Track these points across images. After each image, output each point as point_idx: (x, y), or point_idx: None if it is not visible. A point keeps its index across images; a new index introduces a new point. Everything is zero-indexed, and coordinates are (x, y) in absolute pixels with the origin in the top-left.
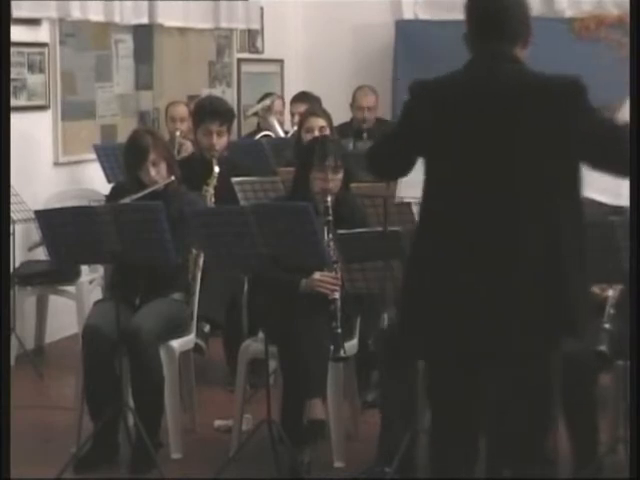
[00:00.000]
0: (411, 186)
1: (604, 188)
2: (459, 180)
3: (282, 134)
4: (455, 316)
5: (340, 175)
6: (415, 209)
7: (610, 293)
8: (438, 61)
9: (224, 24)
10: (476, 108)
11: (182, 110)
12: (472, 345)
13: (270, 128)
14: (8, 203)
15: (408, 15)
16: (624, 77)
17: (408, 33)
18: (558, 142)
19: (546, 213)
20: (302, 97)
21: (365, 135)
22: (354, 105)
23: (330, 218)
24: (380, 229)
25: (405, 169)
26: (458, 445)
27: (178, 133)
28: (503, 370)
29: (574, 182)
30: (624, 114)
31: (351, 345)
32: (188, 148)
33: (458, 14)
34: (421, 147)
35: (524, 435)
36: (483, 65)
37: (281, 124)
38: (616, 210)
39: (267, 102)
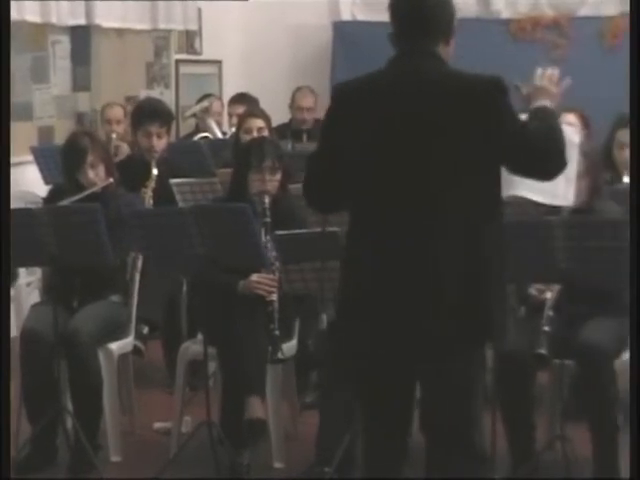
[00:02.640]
0: None
1: (541, 188)
2: (383, 182)
3: (220, 135)
4: (381, 318)
5: (278, 176)
6: None
7: (548, 296)
8: (376, 62)
9: (162, 25)
10: (398, 106)
11: (118, 112)
12: (398, 345)
13: (208, 130)
14: (8, 203)
15: (346, 16)
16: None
17: (346, 34)
18: (479, 142)
19: (467, 216)
20: (240, 98)
21: (304, 136)
22: (293, 106)
23: (268, 219)
24: (318, 230)
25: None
26: (387, 444)
27: (114, 135)
28: (428, 369)
29: (494, 183)
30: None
31: (290, 346)
32: (124, 150)
33: None
34: (347, 152)
35: (448, 432)
36: (405, 62)
37: (219, 125)
38: (553, 210)
39: (205, 104)
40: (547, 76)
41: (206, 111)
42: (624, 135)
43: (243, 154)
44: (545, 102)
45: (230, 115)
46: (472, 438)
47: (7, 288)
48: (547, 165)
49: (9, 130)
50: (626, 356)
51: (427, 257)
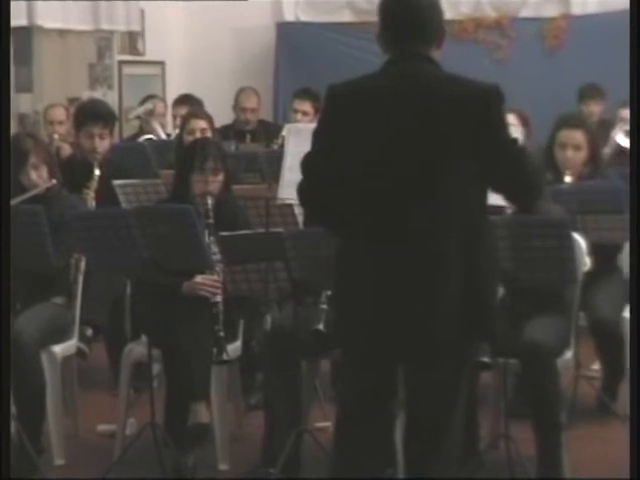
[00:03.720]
0: (292, 187)
1: None
2: (380, 183)
3: (164, 137)
4: (378, 318)
5: (220, 177)
6: (297, 210)
7: None
8: (319, 62)
9: (104, 26)
10: (398, 110)
11: (60, 113)
12: (393, 346)
13: (153, 131)
14: (8, 203)
15: (289, 17)
16: (502, 79)
17: (289, 35)
18: (474, 146)
19: (463, 218)
20: (184, 99)
21: (248, 137)
22: (236, 107)
23: (211, 220)
24: (262, 231)
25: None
26: (366, 443)
27: (56, 136)
28: (420, 371)
29: (485, 184)
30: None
31: (234, 347)
32: (66, 151)
33: (339, 16)
34: (344, 153)
35: (431, 434)
36: (402, 66)
37: (163, 127)
38: (496, 210)
39: (150, 105)
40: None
41: (150, 113)
42: (565, 135)
43: (185, 155)
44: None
45: (174, 116)
46: (447, 440)
47: (7, 288)
48: (533, 183)
49: (9, 130)
50: (569, 354)
51: (424, 258)
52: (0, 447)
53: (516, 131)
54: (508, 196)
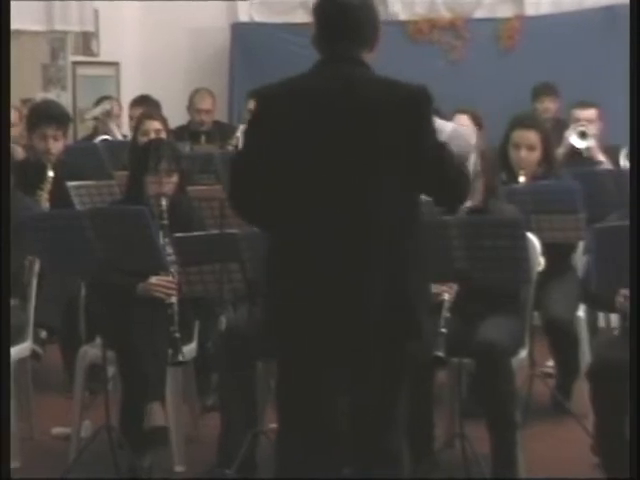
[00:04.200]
0: None
1: None
2: (307, 185)
3: (121, 138)
4: (310, 318)
5: (174, 178)
6: None
7: (446, 297)
8: (274, 63)
9: (58, 26)
10: (325, 112)
11: (13, 114)
12: (326, 347)
13: (109, 132)
14: (8, 203)
15: (244, 18)
16: (456, 80)
17: (244, 35)
18: (402, 148)
19: (390, 219)
20: (141, 101)
21: (202, 138)
22: (191, 108)
23: (165, 222)
24: (217, 232)
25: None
26: (308, 446)
27: None
28: (353, 371)
29: (414, 189)
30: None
31: (190, 349)
32: (19, 153)
33: (293, 17)
34: (270, 158)
35: (370, 434)
36: (332, 68)
37: (119, 128)
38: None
39: (107, 106)
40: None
41: (108, 114)
42: (519, 135)
43: (139, 156)
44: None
45: (131, 117)
46: (390, 441)
47: (7, 288)
48: (456, 188)
49: (9, 130)
50: (523, 353)
51: (351, 260)
52: (0, 447)
53: (471, 132)
54: (433, 199)
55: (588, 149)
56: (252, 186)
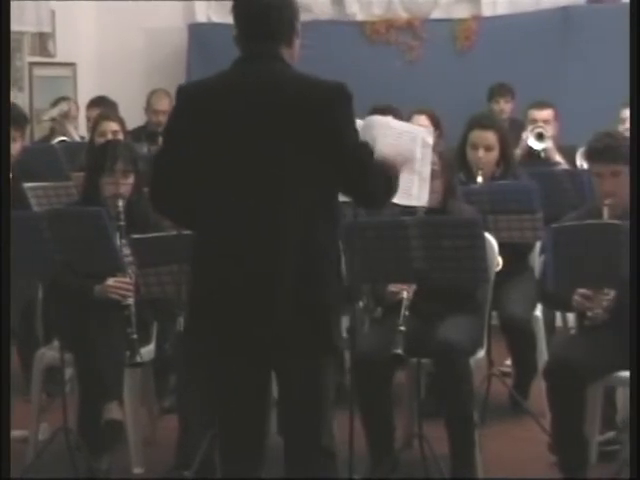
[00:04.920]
0: None
1: None
2: (222, 182)
3: (78, 139)
4: (227, 319)
5: (131, 179)
6: None
7: (404, 295)
8: (231, 63)
9: (14, 27)
10: (239, 108)
11: None
12: (244, 347)
13: (66, 133)
14: (8, 202)
15: (201, 18)
16: (413, 80)
17: (201, 36)
18: (317, 146)
19: (306, 218)
20: (98, 102)
21: (160, 139)
22: (148, 109)
23: (122, 222)
24: (174, 233)
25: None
26: (243, 445)
27: None
28: (277, 370)
29: (332, 187)
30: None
31: (148, 350)
32: None
33: None
34: (189, 155)
35: (296, 431)
36: (248, 64)
37: (75, 129)
38: (408, 210)
39: (65, 107)
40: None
41: (65, 115)
42: (477, 135)
43: (96, 157)
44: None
45: (88, 118)
46: (320, 438)
47: (7, 288)
48: (370, 190)
49: (9, 130)
50: (481, 353)
51: (264, 257)
52: (0, 447)
53: (429, 132)
54: (352, 199)
55: (545, 150)
56: (172, 184)
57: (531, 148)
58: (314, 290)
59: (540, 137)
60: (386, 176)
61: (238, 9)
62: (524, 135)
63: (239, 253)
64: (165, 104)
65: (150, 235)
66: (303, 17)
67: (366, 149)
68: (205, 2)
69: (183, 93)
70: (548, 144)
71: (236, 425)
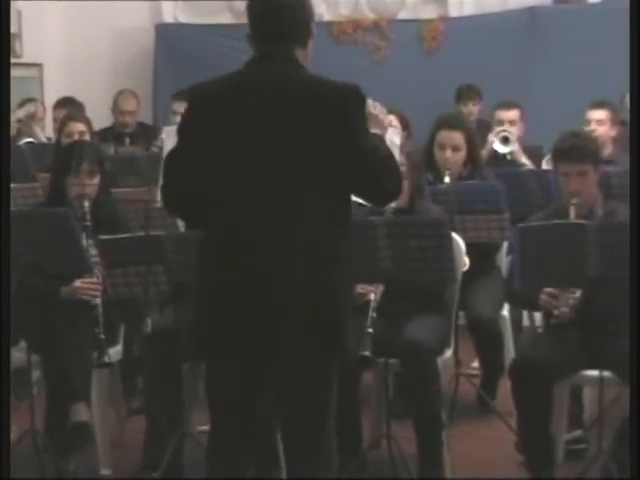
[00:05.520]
0: None
1: None
2: (236, 184)
3: (45, 140)
4: (238, 321)
5: (97, 180)
6: None
7: (372, 297)
8: (199, 64)
9: None
10: (253, 109)
11: None
12: (252, 350)
13: (33, 134)
14: (8, 203)
15: (168, 18)
16: (380, 80)
17: (168, 36)
18: (332, 148)
19: (320, 220)
20: (65, 102)
21: (127, 140)
22: (115, 109)
23: (88, 223)
24: (142, 234)
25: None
26: (236, 448)
27: None
28: (279, 375)
29: (346, 189)
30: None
31: (115, 351)
32: None
33: (219, 18)
34: (202, 156)
35: (295, 436)
36: (262, 65)
37: (42, 130)
38: (375, 210)
39: (32, 108)
40: (377, 107)
41: (32, 116)
42: (444, 136)
43: (61, 158)
44: (376, 130)
45: (54, 119)
46: (318, 443)
47: (7, 288)
48: (386, 189)
49: (9, 129)
50: (449, 353)
51: (275, 257)
52: (0, 447)
53: (396, 133)
54: (366, 200)
55: (511, 153)
56: (184, 183)
57: (496, 151)
58: (326, 301)
59: (505, 141)
60: (397, 175)
61: (253, 9)
62: (490, 138)
63: (249, 255)
64: (132, 105)
65: (117, 236)
66: None
67: (381, 150)
68: (172, 2)
69: (197, 93)
70: (514, 147)
71: (230, 429)
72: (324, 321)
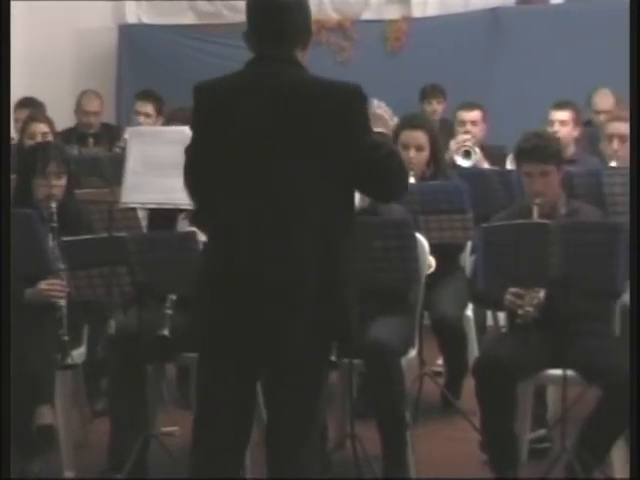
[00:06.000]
0: (135, 191)
1: None
2: (240, 183)
3: None
4: (239, 320)
5: (63, 181)
6: (141, 214)
7: None
8: (162, 64)
9: None
10: (256, 110)
11: None
12: (253, 350)
13: None
14: (8, 203)
15: (131, 18)
16: (344, 80)
17: (131, 37)
18: (335, 148)
19: (324, 220)
20: (26, 103)
21: (91, 140)
22: (78, 110)
23: (55, 224)
24: (105, 235)
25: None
26: (222, 449)
27: None
28: (280, 376)
29: (350, 189)
30: None
31: (79, 353)
32: None
33: (182, 18)
34: (208, 150)
35: (293, 438)
36: (264, 66)
37: None
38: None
39: None
40: (382, 107)
41: None
42: (407, 135)
43: (27, 159)
44: (381, 129)
45: (16, 120)
46: (305, 443)
47: (7, 289)
48: (393, 186)
49: (9, 128)
50: (413, 353)
51: (282, 256)
52: (0, 447)
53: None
54: (371, 197)
55: (475, 164)
56: (198, 178)
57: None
58: (331, 301)
59: (467, 154)
60: (404, 170)
61: (253, 9)
62: (451, 146)
63: (252, 255)
64: (95, 105)
65: (81, 237)
66: (232, 18)
67: (385, 147)
68: (135, 2)
69: (198, 92)
70: (475, 158)
71: (217, 432)
72: (329, 321)
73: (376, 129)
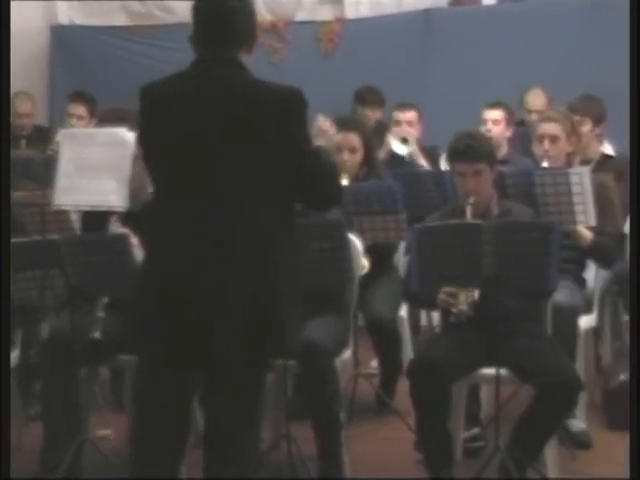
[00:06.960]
0: (68, 193)
1: None
2: (178, 183)
3: None
4: (176, 323)
5: None
6: (73, 216)
7: None
8: (95, 65)
9: None
10: (197, 112)
11: None
12: (189, 353)
13: None
14: (8, 203)
15: (63, 19)
16: (278, 81)
17: (64, 38)
18: (274, 151)
19: (260, 227)
20: None
21: (23, 142)
22: (11, 112)
23: None
24: (38, 238)
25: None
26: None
27: None
28: (215, 379)
29: (288, 192)
30: None
31: (12, 357)
32: None
33: (114, 19)
34: (154, 153)
35: (220, 437)
36: (206, 68)
37: None
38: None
39: None
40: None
41: None
42: (340, 138)
43: None
44: (322, 141)
45: None
46: (242, 444)
47: (7, 289)
48: (324, 195)
49: (9, 128)
50: (347, 353)
51: (216, 260)
52: (0, 447)
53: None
54: (306, 204)
55: (410, 154)
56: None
57: (394, 152)
58: (267, 304)
59: (404, 142)
60: (337, 182)
61: (198, 11)
62: (388, 139)
63: (190, 256)
64: (27, 107)
65: (13, 240)
66: (164, 19)
67: (321, 154)
68: (67, 3)
69: (143, 94)
70: (412, 148)
71: (155, 431)
72: (266, 323)
73: (319, 143)
